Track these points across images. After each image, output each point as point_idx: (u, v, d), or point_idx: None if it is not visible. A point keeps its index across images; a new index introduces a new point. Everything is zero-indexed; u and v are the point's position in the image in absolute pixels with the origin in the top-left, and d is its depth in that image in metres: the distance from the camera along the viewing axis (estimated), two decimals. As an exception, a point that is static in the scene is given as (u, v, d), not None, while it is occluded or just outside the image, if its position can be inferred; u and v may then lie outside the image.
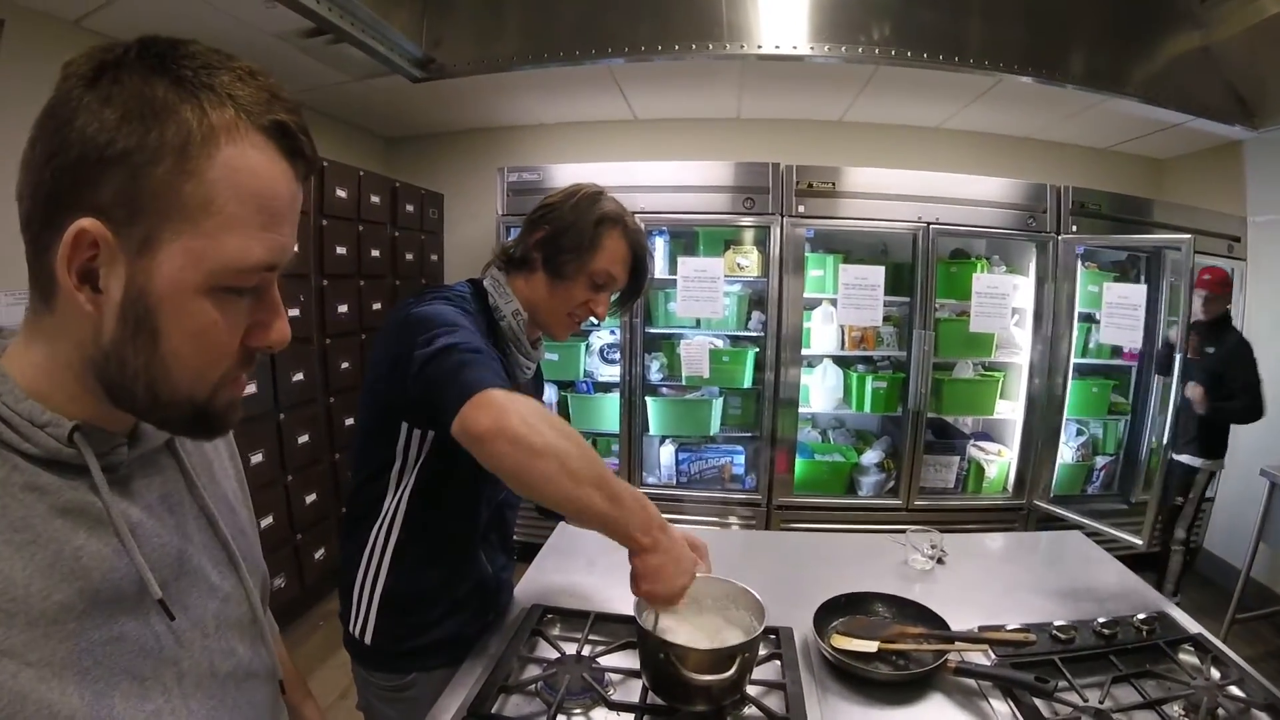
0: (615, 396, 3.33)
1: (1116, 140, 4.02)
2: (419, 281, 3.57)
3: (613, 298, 1.25)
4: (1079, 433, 3.74)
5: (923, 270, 3.24)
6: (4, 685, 0.43)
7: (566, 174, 3.18)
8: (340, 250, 2.98)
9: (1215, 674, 1.16)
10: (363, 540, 1.13)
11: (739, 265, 3.21)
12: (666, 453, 3.43)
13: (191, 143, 0.46)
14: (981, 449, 3.56)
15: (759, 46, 2.68)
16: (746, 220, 3.20)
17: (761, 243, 3.26)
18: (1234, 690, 1.11)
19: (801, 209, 3.18)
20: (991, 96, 3.33)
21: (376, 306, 3.23)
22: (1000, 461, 3.49)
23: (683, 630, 1.02)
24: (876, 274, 3.18)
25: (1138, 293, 3.36)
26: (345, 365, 3.06)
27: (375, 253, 3.21)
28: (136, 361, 0.48)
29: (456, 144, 3.96)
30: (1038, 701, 1.06)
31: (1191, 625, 1.31)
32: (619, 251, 1.18)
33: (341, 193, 2.97)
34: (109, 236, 0.46)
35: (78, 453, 0.50)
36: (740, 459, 3.42)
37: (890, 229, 3.27)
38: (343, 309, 3.02)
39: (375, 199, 3.22)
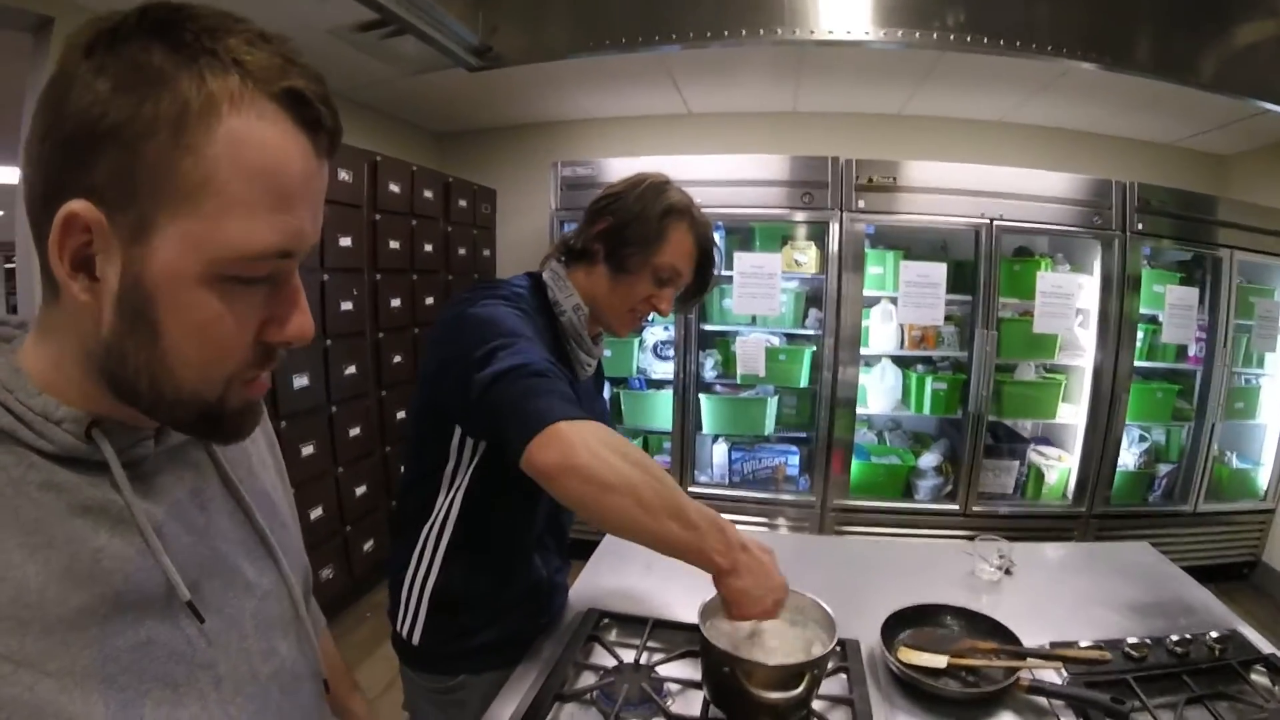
0: (668, 393, 3.28)
1: (1181, 135, 3.89)
2: (472, 277, 3.56)
3: (677, 293, 1.20)
4: (1141, 439, 3.63)
5: (985, 268, 3.14)
6: (19, 698, 0.41)
7: (620, 168, 3.13)
8: (394, 245, 2.97)
9: None
10: (413, 539, 1.10)
11: (796, 262, 3.14)
12: (719, 452, 3.37)
13: (188, 114, 0.41)
14: (1042, 454, 3.46)
15: (829, 32, 2.59)
16: (804, 215, 3.12)
17: (819, 238, 3.18)
18: None
19: (861, 204, 3.10)
20: (1056, 88, 3.23)
21: (429, 301, 3.22)
22: (1061, 467, 3.39)
23: (750, 643, 0.98)
24: (938, 271, 3.10)
25: (1191, 295, 3.37)
26: (398, 359, 3.05)
27: (428, 248, 3.20)
28: (137, 357, 0.45)
29: (508, 139, 3.95)
30: (1112, 723, 1.02)
31: (1264, 645, 1.27)
32: (685, 245, 1.13)
33: (395, 188, 2.96)
34: (102, 220, 0.42)
35: (96, 449, 0.47)
36: (795, 460, 3.36)
37: (952, 225, 3.17)
38: (395, 303, 3.01)
39: (428, 194, 3.20)
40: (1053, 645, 1.21)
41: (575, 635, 1.15)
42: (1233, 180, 4.11)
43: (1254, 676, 1.19)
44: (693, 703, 1.01)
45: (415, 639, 1.11)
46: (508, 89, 3.32)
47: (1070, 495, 3.40)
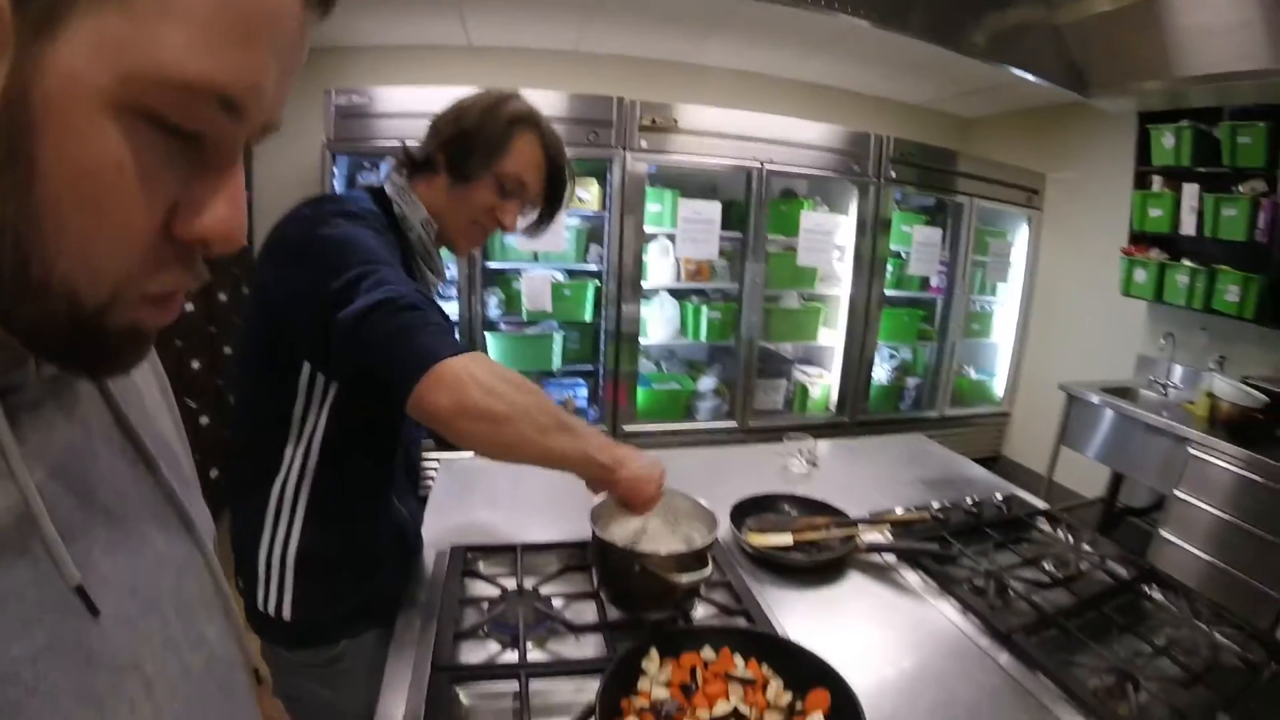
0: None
1: (933, 99, 4.38)
2: None
3: (525, 210, 1.16)
4: (892, 357, 4.17)
5: (755, 207, 3.43)
6: None
7: (400, 97, 3.04)
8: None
9: (1069, 538, 1.42)
10: (263, 501, 0.99)
11: (579, 199, 3.24)
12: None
13: None
14: (805, 373, 3.89)
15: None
16: (587, 153, 3.21)
17: (601, 175, 3.30)
18: (1087, 548, 1.38)
19: (643, 144, 3.24)
20: (832, 47, 3.50)
21: None
22: (823, 384, 3.84)
23: (641, 543, 1.04)
24: (713, 209, 3.33)
25: (936, 234, 3.89)
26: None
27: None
28: (6, 205, 0.31)
29: None
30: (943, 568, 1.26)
31: (1039, 504, 1.60)
32: (531, 155, 1.09)
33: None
34: (3, 4, 0.29)
35: None
36: (583, 392, 3.53)
37: (728, 167, 3.41)
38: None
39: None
40: (872, 514, 1.44)
41: (449, 574, 1.12)
42: (973, 139, 4.72)
43: (1041, 525, 1.51)
44: (586, 613, 1.06)
45: (286, 612, 1.00)
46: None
47: (833, 407, 3.88)
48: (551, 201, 1.17)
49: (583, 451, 0.90)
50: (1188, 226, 3.13)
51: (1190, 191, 3.11)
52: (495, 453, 0.86)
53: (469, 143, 1.05)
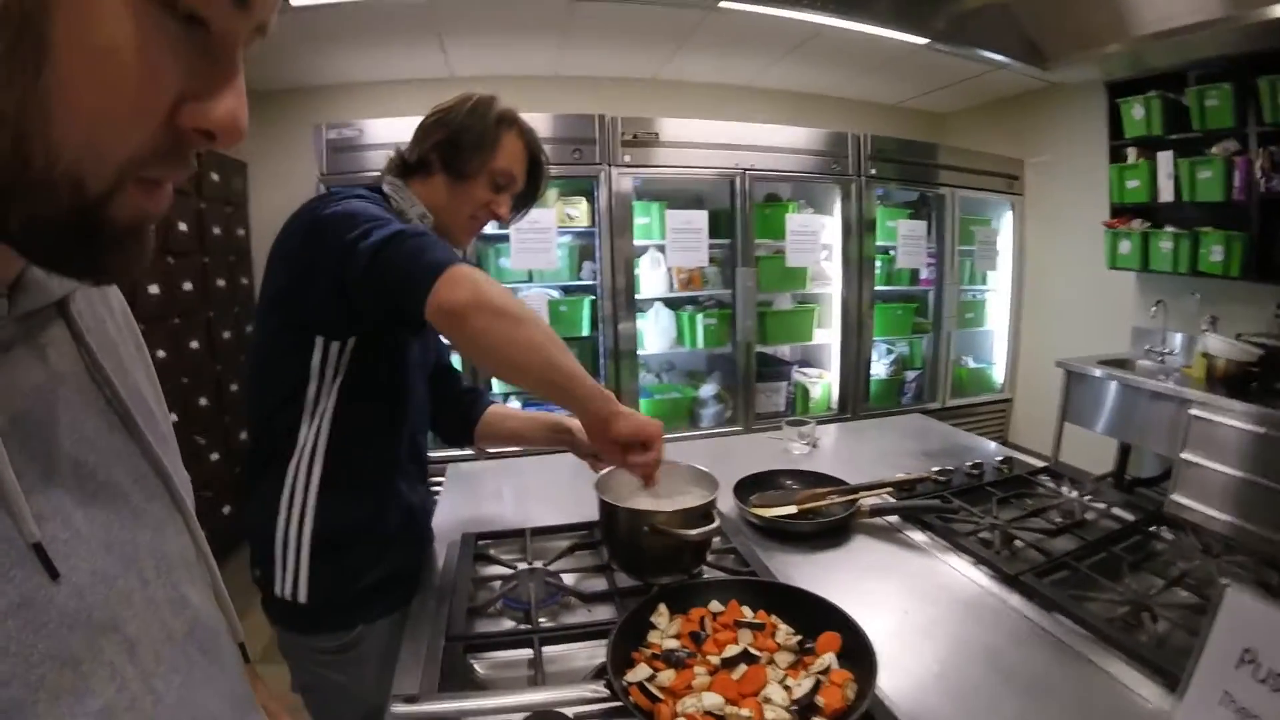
0: (453, 356, 3.32)
1: (906, 97, 4.47)
2: (228, 259, 3.36)
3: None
4: (889, 352, 4.19)
5: (741, 213, 3.48)
6: None
7: (387, 129, 3.09)
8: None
9: (1073, 493, 1.43)
10: (279, 482, 1.02)
11: (569, 216, 3.29)
12: (513, 407, 3.47)
13: None
14: (804, 374, 3.91)
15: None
16: (574, 171, 3.26)
17: (588, 192, 3.35)
18: (1092, 500, 1.39)
19: (627, 159, 3.30)
20: (800, 52, 3.58)
21: (188, 287, 3.03)
22: (822, 383, 3.85)
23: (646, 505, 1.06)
24: (700, 218, 3.39)
25: (920, 227, 3.95)
26: (161, 354, 2.86)
27: (182, 226, 3.02)
28: (9, 94, 0.29)
29: (262, 107, 3.69)
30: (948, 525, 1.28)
31: (1038, 463, 1.62)
32: (518, 151, 1.19)
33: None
34: None
35: None
36: (586, 405, 3.53)
37: (710, 175, 3.47)
38: (152, 289, 2.81)
39: (178, 169, 3.00)
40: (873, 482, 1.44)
41: (461, 558, 1.17)
42: (949, 133, 4.81)
43: (1043, 482, 1.52)
44: (596, 585, 1.10)
45: (302, 596, 1.02)
46: (265, 48, 3.15)
47: (835, 406, 3.89)
48: (533, 190, 1.27)
49: (585, 375, 0.92)
50: (1166, 194, 3.17)
51: (1165, 159, 3.15)
52: (509, 353, 0.87)
53: (460, 142, 1.13)
